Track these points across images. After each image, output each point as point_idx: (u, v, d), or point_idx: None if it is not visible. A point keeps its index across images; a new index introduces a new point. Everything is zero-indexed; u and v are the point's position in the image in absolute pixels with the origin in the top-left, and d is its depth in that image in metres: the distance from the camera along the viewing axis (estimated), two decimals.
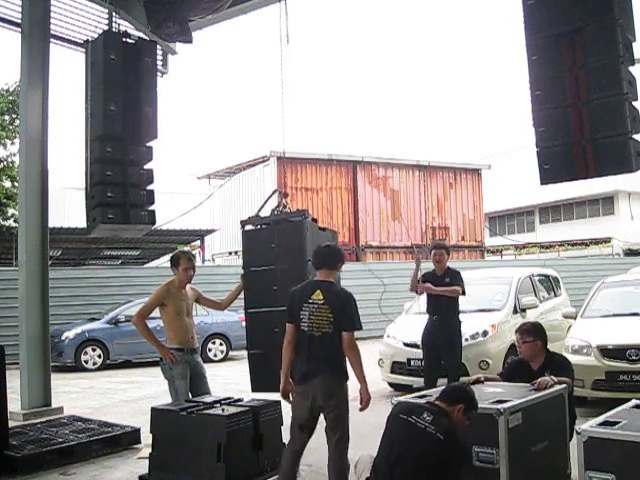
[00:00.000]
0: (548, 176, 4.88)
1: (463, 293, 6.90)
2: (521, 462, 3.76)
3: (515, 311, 8.86)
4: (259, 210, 6.14)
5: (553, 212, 33.40)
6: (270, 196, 6.64)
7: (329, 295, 4.12)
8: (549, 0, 4.85)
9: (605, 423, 3.53)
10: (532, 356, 4.69)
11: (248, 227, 5.97)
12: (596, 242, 28.36)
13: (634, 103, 4.61)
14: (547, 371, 4.50)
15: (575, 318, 8.02)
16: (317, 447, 4.64)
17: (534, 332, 4.71)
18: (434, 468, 3.34)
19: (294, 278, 5.35)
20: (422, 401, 3.83)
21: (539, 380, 4.26)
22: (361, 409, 4.09)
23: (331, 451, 4.10)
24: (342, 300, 4.14)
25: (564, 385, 4.31)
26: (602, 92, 4.55)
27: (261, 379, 5.53)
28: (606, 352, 6.75)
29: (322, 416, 4.11)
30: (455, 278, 6.92)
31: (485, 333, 8.15)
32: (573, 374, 4.64)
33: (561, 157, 4.80)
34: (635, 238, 28.26)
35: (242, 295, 5.78)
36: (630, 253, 27.12)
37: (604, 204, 31.23)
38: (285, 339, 4.21)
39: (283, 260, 5.51)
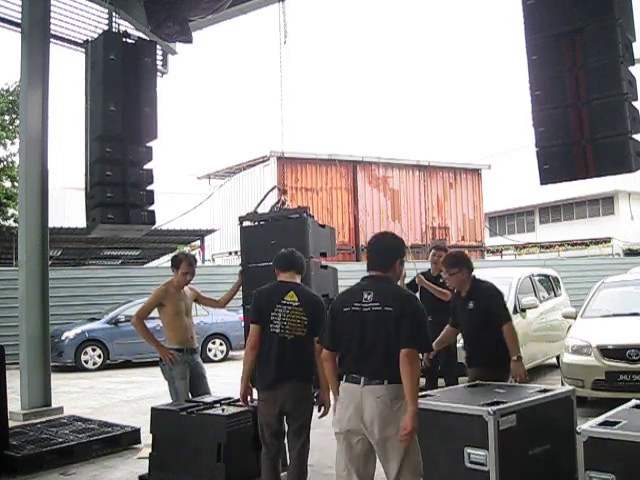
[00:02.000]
0: (548, 176, 4.88)
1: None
2: (516, 465, 3.74)
3: (515, 311, 8.84)
4: (257, 206, 6.12)
5: (553, 212, 33.40)
6: (268, 193, 6.63)
7: (304, 297, 4.00)
8: (549, 0, 4.85)
9: (605, 423, 3.53)
10: (460, 285, 4.79)
11: (246, 223, 5.95)
12: (596, 242, 28.35)
13: (634, 103, 4.61)
14: (472, 299, 4.65)
15: (575, 318, 8.01)
16: (318, 447, 4.64)
17: (459, 263, 4.76)
18: (395, 334, 3.17)
19: None
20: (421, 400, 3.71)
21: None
22: (320, 416, 4.00)
23: (293, 458, 3.99)
24: (318, 304, 4.03)
25: (572, 387, 4.32)
26: (602, 92, 4.54)
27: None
28: (606, 352, 6.74)
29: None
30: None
31: None
32: (502, 301, 4.70)
33: (561, 157, 4.80)
34: (635, 238, 28.25)
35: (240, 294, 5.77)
36: (630, 253, 27.10)
37: (604, 204, 31.22)
38: (249, 343, 4.01)
39: None
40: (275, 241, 5.53)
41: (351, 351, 3.27)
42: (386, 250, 3.45)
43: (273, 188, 7.03)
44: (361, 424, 3.16)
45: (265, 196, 6.46)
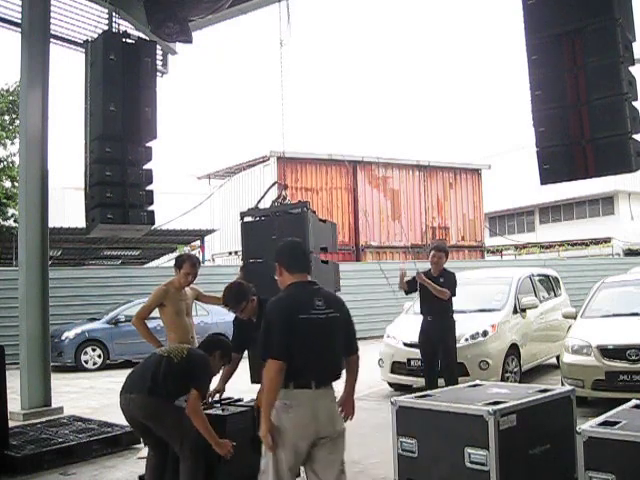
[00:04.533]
0: (548, 176, 4.88)
1: (453, 295, 6.92)
2: (516, 465, 3.74)
3: (515, 311, 8.86)
4: (258, 202, 6.11)
5: (553, 212, 33.41)
6: (269, 188, 6.63)
7: (191, 352, 4.35)
8: (549, 0, 4.86)
9: (605, 423, 3.53)
10: (253, 313, 4.64)
11: (247, 219, 5.94)
12: (596, 242, 28.37)
13: (634, 103, 4.61)
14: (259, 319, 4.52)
15: (575, 318, 8.02)
16: None
17: (243, 295, 4.58)
18: (341, 339, 3.41)
19: None
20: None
21: None
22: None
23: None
24: (199, 360, 4.27)
25: (572, 387, 4.31)
26: (602, 92, 4.55)
27: (261, 371, 5.49)
28: (606, 352, 6.74)
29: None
30: (449, 280, 6.97)
31: (485, 333, 8.15)
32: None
33: (561, 157, 4.80)
34: (635, 238, 28.26)
35: None
36: (630, 253, 27.11)
37: (604, 204, 31.23)
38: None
39: None
40: (276, 236, 5.51)
41: (309, 359, 3.23)
42: (307, 254, 3.56)
43: (274, 184, 7.03)
44: (317, 425, 3.22)
45: (266, 192, 6.46)
